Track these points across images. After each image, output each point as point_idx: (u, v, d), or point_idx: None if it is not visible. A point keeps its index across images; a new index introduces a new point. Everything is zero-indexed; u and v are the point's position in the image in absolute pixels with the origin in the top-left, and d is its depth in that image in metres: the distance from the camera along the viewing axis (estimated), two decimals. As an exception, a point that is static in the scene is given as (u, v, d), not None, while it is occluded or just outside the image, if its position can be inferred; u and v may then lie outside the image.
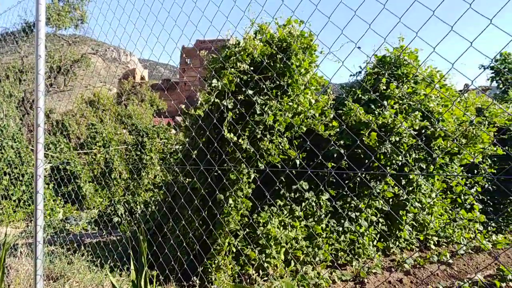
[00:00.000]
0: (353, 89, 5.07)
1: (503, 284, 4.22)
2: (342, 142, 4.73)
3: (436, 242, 5.68)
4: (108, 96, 25.27)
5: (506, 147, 6.40)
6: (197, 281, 3.43)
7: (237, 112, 3.79)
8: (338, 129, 4.54)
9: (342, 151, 4.56)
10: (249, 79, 3.87)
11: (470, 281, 4.27)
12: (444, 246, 5.77)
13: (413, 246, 5.51)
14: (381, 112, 4.71)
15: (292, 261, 4.38)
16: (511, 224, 6.37)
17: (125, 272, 3.38)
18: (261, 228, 3.99)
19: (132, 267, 2.31)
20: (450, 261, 4.97)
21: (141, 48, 3.63)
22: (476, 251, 5.44)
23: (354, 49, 1.83)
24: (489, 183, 6.16)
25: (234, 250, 3.83)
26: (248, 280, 3.84)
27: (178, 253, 3.34)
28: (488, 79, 8.26)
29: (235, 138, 3.58)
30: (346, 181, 5.07)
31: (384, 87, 4.91)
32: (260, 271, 3.96)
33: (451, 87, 5.35)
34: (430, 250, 5.54)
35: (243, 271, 3.86)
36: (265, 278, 3.97)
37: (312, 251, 4.57)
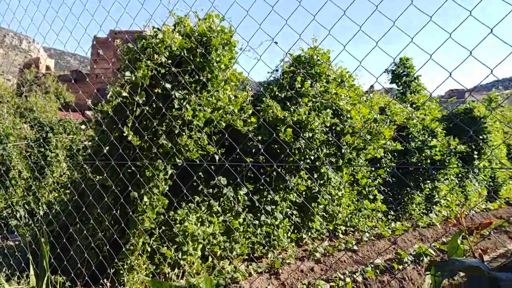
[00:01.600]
0: (271, 87, 5.21)
1: (400, 266, 4.72)
2: (260, 137, 4.83)
3: (343, 231, 6.13)
4: (6, 87, 22.64)
5: (404, 143, 7.12)
6: (108, 284, 3.24)
7: (154, 106, 3.65)
8: (256, 125, 4.63)
9: (260, 146, 4.67)
10: (167, 72, 3.74)
11: (372, 265, 4.69)
12: (350, 235, 6.25)
13: (324, 236, 5.87)
14: (296, 109, 4.91)
15: (209, 257, 4.37)
16: (407, 212, 7.13)
17: (24, 280, 3.06)
18: (177, 226, 3.90)
19: (31, 272, 2.09)
20: (356, 248, 5.40)
21: (45, 33, 3.30)
22: (378, 237, 5.99)
23: (271, 44, 1.87)
24: (389, 175, 6.80)
25: (149, 249, 3.70)
26: (163, 279, 3.74)
27: (86, 255, 3.12)
28: (389, 81, 9.13)
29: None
30: (263, 176, 5.20)
31: (299, 85, 5.13)
32: (176, 269, 3.89)
33: (359, 87, 5.80)
34: (339, 239, 5.96)
35: (158, 270, 3.75)
36: (181, 276, 3.91)
37: (230, 245, 4.61)
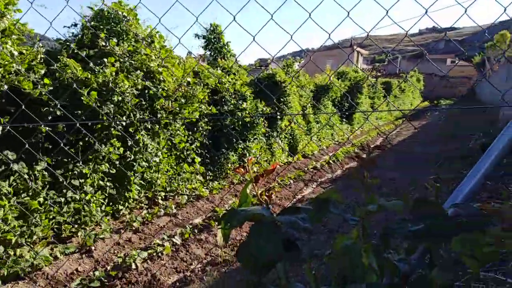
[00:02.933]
0: (68, 43, 4.51)
1: (216, 223, 4.97)
2: (58, 102, 4.17)
3: (163, 197, 6.07)
4: None
5: (218, 107, 7.40)
6: None
7: None
8: (52, 88, 3.96)
9: (58, 113, 4.04)
10: None
11: (191, 226, 4.79)
12: (171, 199, 6.24)
13: (142, 204, 5.68)
14: (101, 70, 4.41)
15: (1, 247, 3.65)
16: (224, 172, 7.55)
17: None
18: None
19: None
20: (175, 211, 5.42)
21: None
22: (197, 198, 6.16)
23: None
24: (205, 138, 7.00)
25: None
26: None
27: None
28: (201, 47, 9.28)
29: None
30: (67, 147, 4.58)
31: (103, 43, 4.61)
32: None
33: (170, 49, 5.63)
34: (158, 205, 5.87)
35: None
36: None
37: (28, 230, 3.95)
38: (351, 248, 0.86)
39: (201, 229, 4.72)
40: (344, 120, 14.00)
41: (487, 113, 11.98)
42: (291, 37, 1.96)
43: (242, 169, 1.08)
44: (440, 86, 37.36)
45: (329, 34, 1.93)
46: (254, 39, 2.05)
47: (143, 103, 5.16)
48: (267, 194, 1.08)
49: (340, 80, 14.64)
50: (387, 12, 1.72)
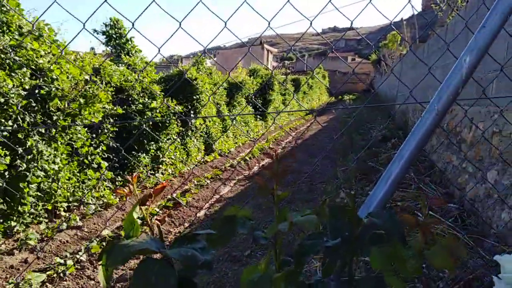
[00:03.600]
0: None
1: (127, 232, 4.59)
2: None
3: (66, 208, 5.45)
4: None
5: (125, 107, 6.90)
6: None
7: None
8: None
9: None
10: None
11: (98, 239, 4.35)
12: (75, 210, 5.64)
13: (41, 218, 5.04)
14: (-24, 67, 3.76)
15: None
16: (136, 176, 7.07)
17: None
18: None
19: None
20: (80, 223, 4.90)
21: None
22: (106, 207, 5.66)
23: None
24: (112, 141, 6.48)
25: None
26: None
27: None
28: (103, 44, 8.57)
29: None
30: None
31: (-22, 36, 3.93)
32: None
33: (64, 44, 5.04)
34: (61, 218, 5.26)
35: None
36: None
37: None
38: (260, 283, 0.72)
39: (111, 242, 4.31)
40: (258, 117, 14.19)
41: (386, 107, 13.10)
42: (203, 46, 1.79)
43: (125, 189, 0.88)
44: (343, 82, 40.10)
45: (242, 40, 1.80)
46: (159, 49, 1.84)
47: (34, 104, 4.55)
48: (158, 218, 0.90)
49: (252, 77, 14.81)
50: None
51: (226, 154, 9.18)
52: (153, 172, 7.26)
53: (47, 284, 3.42)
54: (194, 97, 8.76)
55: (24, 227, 4.73)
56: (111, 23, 8.17)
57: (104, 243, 4.24)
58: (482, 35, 1.07)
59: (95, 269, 3.79)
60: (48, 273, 3.52)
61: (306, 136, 12.68)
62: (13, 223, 4.57)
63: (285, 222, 0.77)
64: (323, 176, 6.77)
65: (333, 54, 50.53)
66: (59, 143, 5.34)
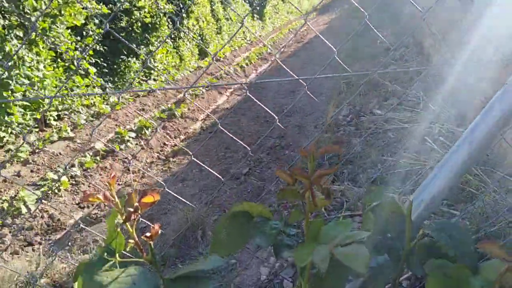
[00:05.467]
0: None
1: (123, 146, 4.45)
2: None
3: (56, 117, 5.23)
4: None
5: (111, 5, 6.24)
6: None
7: None
8: None
9: None
10: None
11: (91, 152, 4.23)
12: (66, 119, 5.43)
13: (31, 128, 4.85)
14: None
15: None
16: (126, 82, 6.73)
17: None
18: None
19: None
20: (72, 134, 4.73)
21: None
22: (97, 116, 5.45)
23: None
24: (99, 44, 5.99)
25: None
26: None
27: None
28: None
29: None
30: None
31: None
32: None
33: None
34: (52, 127, 5.08)
35: None
36: None
37: None
38: None
39: (104, 155, 4.20)
40: (255, 16, 13.23)
41: (392, 6, 12.16)
42: None
43: (102, 197, 0.65)
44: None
45: None
46: None
47: (6, 5, 4.02)
48: (147, 235, 0.68)
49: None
50: None
51: (221, 59, 8.70)
52: (145, 79, 6.90)
53: (42, 200, 3.37)
54: (186, -6, 7.95)
55: (15, 137, 4.57)
56: None
57: (98, 157, 4.12)
58: None
59: (90, 184, 3.73)
60: (42, 190, 3.46)
61: (306, 39, 12.00)
62: (2, 134, 4.40)
63: (321, 250, 0.56)
64: (324, 88, 6.50)
65: None
66: (40, 47, 4.90)
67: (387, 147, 3.13)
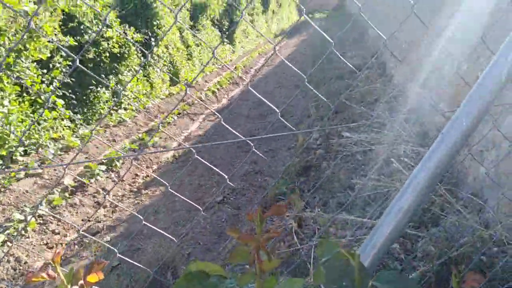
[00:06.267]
0: None
1: (93, 180, 4.36)
2: None
3: (22, 153, 5.09)
4: None
5: (78, 38, 6.20)
6: None
7: None
8: None
9: None
10: None
11: (60, 188, 4.12)
12: (34, 154, 5.29)
13: (-4, 166, 4.69)
14: None
15: None
16: (96, 113, 6.64)
17: None
18: None
19: None
20: (40, 170, 4.60)
21: None
22: (67, 150, 5.33)
23: None
24: (66, 76, 5.92)
25: None
26: None
27: None
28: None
29: None
30: None
31: None
32: None
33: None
34: (18, 163, 4.93)
35: None
36: None
37: None
38: None
39: (73, 191, 4.09)
40: (225, 40, 13.42)
41: (356, 26, 12.63)
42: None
43: (46, 275, 0.65)
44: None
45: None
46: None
47: (-34, 41, 3.94)
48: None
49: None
50: None
51: (192, 84, 8.74)
52: (115, 108, 6.83)
53: (8, 243, 3.24)
54: (154, 23, 8.01)
55: (-22, 176, 4.40)
56: None
57: (67, 193, 4.02)
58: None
59: (59, 222, 3.62)
60: (7, 232, 3.32)
61: (276, 62, 12.26)
62: (-36, 173, 4.24)
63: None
64: (295, 109, 6.62)
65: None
66: (5, 82, 4.80)
67: (356, 170, 3.20)
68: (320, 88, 6.68)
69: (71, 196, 3.97)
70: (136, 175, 4.70)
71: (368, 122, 4.11)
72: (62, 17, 5.71)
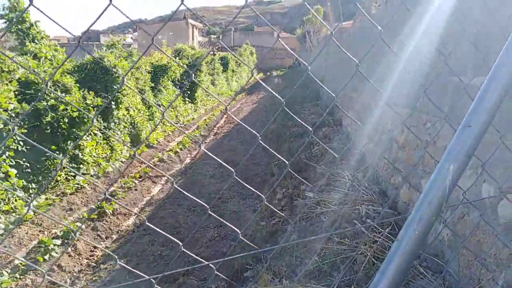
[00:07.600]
0: None
1: (47, 256, 4.07)
2: None
3: (-31, 228, 4.71)
4: None
5: (35, 103, 6.08)
6: None
7: None
8: None
9: None
10: None
11: (11, 266, 3.80)
12: (-19, 229, 4.90)
13: None
14: None
15: None
16: (52, 181, 6.36)
17: None
18: None
19: None
20: (-13, 249, 4.25)
21: None
22: (18, 223, 5.00)
23: None
24: (21, 144, 5.71)
25: None
26: None
27: None
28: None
29: None
30: None
31: None
32: None
33: None
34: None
35: None
36: None
37: None
38: None
39: (25, 270, 3.79)
40: (187, 100, 13.64)
41: (314, 87, 13.30)
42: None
43: None
44: (270, 58, 40.68)
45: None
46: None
47: None
48: None
49: (177, 58, 14.12)
50: None
51: (154, 145, 8.67)
52: (73, 175, 6.59)
53: None
54: (114, 87, 8.05)
55: None
56: (10, 5, 7.01)
57: (17, 274, 3.71)
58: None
59: (8, 308, 3.30)
60: None
61: (239, 119, 12.52)
62: None
63: None
64: (257, 167, 6.68)
65: (259, 29, 50.35)
66: (-48, 154, 4.55)
67: (321, 232, 3.22)
68: (282, 146, 6.84)
69: (22, 277, 3.67)
70: (95, 247, 4.45)
71: (330, 181, 4.20)
72: (18, 85, 5.62)
